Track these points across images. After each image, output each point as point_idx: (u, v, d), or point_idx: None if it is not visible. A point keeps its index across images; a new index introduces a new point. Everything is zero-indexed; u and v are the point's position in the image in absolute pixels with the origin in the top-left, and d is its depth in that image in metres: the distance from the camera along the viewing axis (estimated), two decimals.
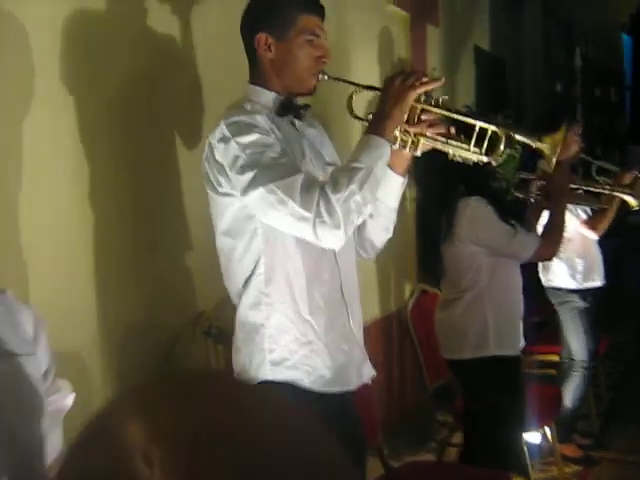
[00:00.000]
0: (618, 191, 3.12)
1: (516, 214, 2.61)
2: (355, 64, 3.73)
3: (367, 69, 3.93)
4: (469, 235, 2.50)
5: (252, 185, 1.65)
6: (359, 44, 3.81)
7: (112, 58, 2.20)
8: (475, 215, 2.48)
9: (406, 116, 1.73)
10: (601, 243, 3.63)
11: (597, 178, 3.40)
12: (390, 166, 1.77)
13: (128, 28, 2.30)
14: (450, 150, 1.78)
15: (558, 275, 3.56)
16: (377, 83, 2.04)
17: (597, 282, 3.64)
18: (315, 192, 1.61)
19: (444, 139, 1.77)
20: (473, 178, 2.47)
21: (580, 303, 3.55)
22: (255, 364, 1.77)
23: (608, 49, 6.86)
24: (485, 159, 1.76)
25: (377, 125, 1.71)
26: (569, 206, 3.05)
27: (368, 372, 1.91)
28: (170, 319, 2.36)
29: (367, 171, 1.63)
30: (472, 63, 5.56)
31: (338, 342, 1.80)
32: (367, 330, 2.04)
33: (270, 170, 1.65)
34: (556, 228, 2.58)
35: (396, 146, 1.76)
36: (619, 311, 5.63)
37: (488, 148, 1.74)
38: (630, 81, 7.38)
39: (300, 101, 1.92)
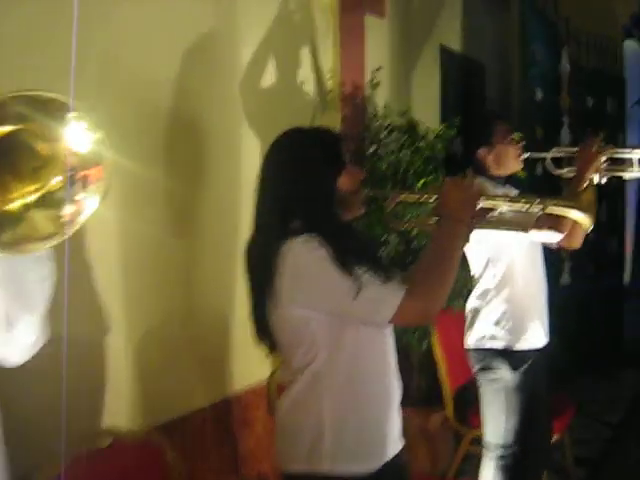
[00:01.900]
0: (562, 205, 2.16)
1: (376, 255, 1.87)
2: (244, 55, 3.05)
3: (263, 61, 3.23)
4: (292, 294, 1.70)
5: None
6: (251, 31, 3.11)
7: None
8: (297, 264, 1.69)
9: None
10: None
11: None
12: None
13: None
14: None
15: (484, 327, 2.74)
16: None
17: (536, 341, 2.73)
18: None
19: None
20: (316, 208, 1.76)
21: (506, 373, 2.66)
22: None
23: (604, 54, 6.04)
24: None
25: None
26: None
27: None
28: None
29: None
30: (435, 63, 4.83)
31: None
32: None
33: None
34: (437, 268, 1.70)
35: None
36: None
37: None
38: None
39: None
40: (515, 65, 5.24)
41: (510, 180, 2.86)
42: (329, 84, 3.67)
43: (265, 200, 1.81)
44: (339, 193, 1.78)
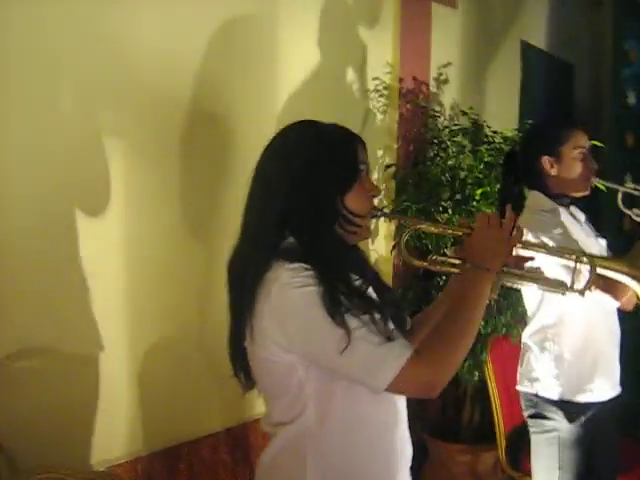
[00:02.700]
0: (614, 269, 1.71)
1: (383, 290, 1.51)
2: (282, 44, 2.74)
3: (314, 51, 2.91)
4: (273, 334, 1.37)
5: None
6: (293, 16, 2.79)
7: None
8: (281, 299, 1.34)
9: None
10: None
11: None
12: None
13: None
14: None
15: (538, 371, 2.26)
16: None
17: (601, 395, 2.24)
18: None
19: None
20: (315, 227, 1.43)
21: (561, 424, 2.21)
22: None
23: None
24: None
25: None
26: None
27: None
28: None
29: None
30: (515, 61, 4.39)
31: None
32: None
33: None
34: (454, 328, 1.36)
35: None
36: None
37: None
38: None
39: None
40: (606, 65, 4.72)
41: (578, 201, 2.36)
42: (386, 79, 3.31)
43: (256, 206, 1.48)
44: (346, 211, 1.44)
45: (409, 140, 3.40)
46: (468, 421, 3.30)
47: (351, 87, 3.19)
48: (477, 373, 3.03)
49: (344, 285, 1.36)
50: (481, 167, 2.95)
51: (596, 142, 2.54)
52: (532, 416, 2.29)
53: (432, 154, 3.17)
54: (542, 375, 2.24)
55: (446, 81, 3.65)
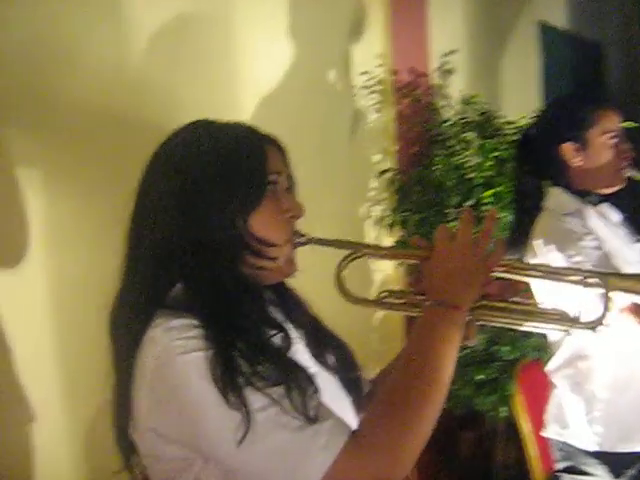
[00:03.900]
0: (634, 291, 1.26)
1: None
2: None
3: (285, 49, 2.50)
4: (152, 419, 0.97)
5: None
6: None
7: None
8: (158, 371, 0.95)
9: None
10: None
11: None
12: None
13: None
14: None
15: (568, 414, 1.80)
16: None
17: None
18: None
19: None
20: (206, 265, 1.03)
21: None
22: None
23: None
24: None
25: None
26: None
27: None
28: None
29: None
30: (532, 44, 3.93)
31: None
32: None
33: None
34: (410, 397, 0.94)
35: None
36: None
37: None
38: None
39: None
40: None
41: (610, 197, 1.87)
42: (377, 73, 2.88)
43: (135, 237, 1.07)
44: (252, 239, 1.03)
45: (411, 140, 2.97)
46: (499, 467, 2.82)
47: (334, 86, 2.77)
48: (504, 409, 2.55)
49: (247, 346, 0.95)
50: (489, 164, 2.48)
51: (631, 123, 2.07)
52: (566, 470, 1.81)
53: (435, 154, 2.71)
54: (573, 420, 1.76)
55: (451, 71, 3.20)
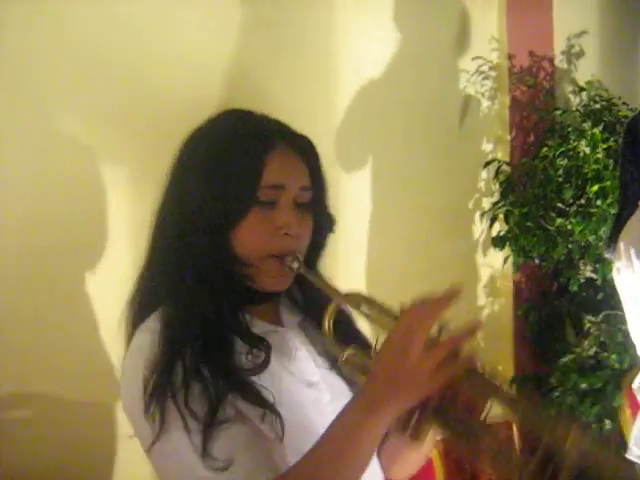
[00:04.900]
0: None
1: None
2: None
3: (389, 34, 2.42)
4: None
5: None
6: None
7: None
8: (123, 367, 0.97)
9: None
10: None
11: None
12: None
13: None
14: None
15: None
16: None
17: None
18: None
19: None
20: (186, 268, 1.00)
21: None
22: None
23: None
24: None
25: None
26: None
27: None
28: None
29: None
30: None
31: None
32: None
33: None
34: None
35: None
36: None
37: None
38: None
39: None
40: None
41: None
42: (492, 57, 2.74)
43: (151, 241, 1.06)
44: (228, 254, 0.98)
45: (527, 129, 2.79)
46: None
47: (443, 72, 2.66)
48: (608, 422, 2.36)
49: (195, 357, 0.91)
50: (598, 155, 2.28)
51: None
52: None
53: (545, 144, 2.53)
54: None
55: (579, 54, 2.98)
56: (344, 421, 0.87)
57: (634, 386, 1.71)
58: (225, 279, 0.96)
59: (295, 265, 0.97)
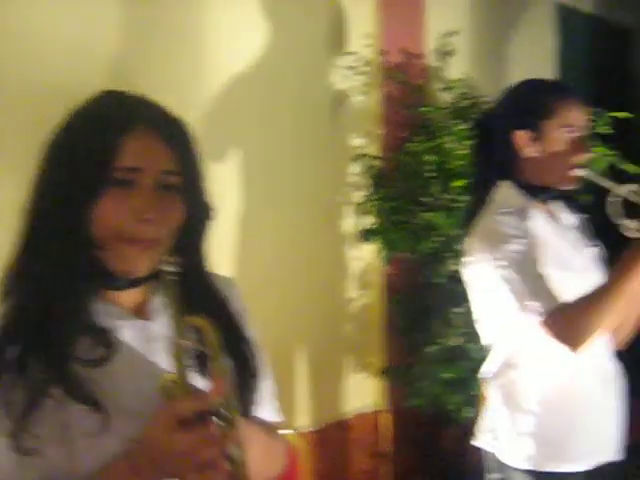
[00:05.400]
0: None
1: None
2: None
3: (262, 26, 2.40)
4: None
5: None
6: None
7: None
8: None
9: None
10: None
11: None
12: None
13: None
14: None
15: (498, 427, 1.65)
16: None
17: (593, 460, 1.60)
18: None
19: None
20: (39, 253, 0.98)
21: None
22: None
23: None
24: None
25: None
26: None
27: None
28: None
29: None
30: (546, 27, 3.74)
31: None
32: None
33: None
34: None
35: None
36: None
37: None
38: None
39: None
40: None
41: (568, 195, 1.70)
42: (366, 53, 2.76)
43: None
44: (94, 232, 0.94)
45: (398, 125, 2.84)
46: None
47: (316, 66, 2.67)
48: (470, 409, 2.43)
49: (25, 345, 0.90)
50: (463, 152, 2.34)
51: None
52: None
53: (413, 139, 2.58)
54: (503, 434, 1.64)
55: (451, 53, 3.06)
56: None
57: (481, 375, 1.76)
58: (79, 262, 0.94)
59: (168, 268, 0.93)
